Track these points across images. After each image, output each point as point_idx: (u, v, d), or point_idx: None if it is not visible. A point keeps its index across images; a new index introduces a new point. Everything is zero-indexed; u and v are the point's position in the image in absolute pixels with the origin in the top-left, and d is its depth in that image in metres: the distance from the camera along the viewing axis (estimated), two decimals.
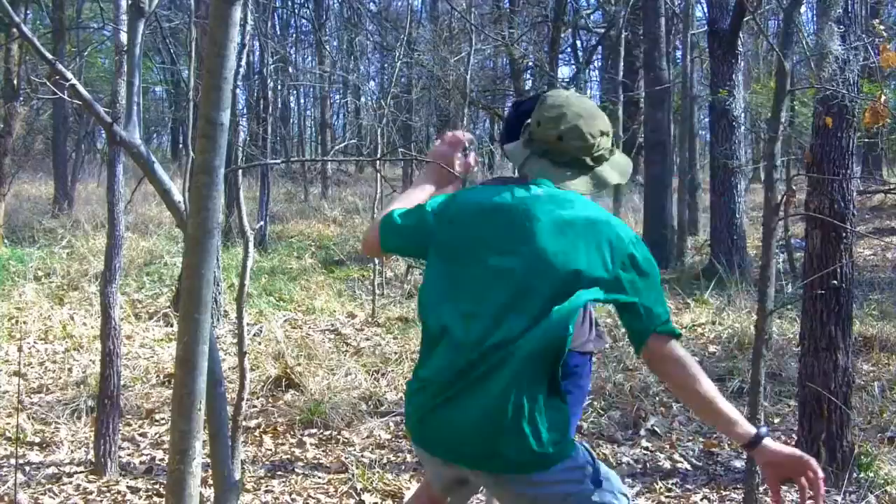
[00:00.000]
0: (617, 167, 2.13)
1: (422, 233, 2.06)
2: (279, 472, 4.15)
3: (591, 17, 18.74)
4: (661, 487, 3.98)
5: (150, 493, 3.86)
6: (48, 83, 2.90)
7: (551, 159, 2.07)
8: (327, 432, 4.70)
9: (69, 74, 2.45)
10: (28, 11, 13.67)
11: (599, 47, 18.41)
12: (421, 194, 2.26)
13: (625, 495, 1.99)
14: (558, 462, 1.91)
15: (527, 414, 1.87)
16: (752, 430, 1.90)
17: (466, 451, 1.94)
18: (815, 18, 6.90)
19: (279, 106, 19.63)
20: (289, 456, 4.40)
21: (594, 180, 2.08)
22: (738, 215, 9.87)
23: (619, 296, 1.91)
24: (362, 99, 20.67)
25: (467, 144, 2.35)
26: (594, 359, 3.17)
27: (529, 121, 2.14)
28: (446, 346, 1.94)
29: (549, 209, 1.96)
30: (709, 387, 1.90)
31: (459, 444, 1.94)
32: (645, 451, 4.48)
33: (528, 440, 1.87)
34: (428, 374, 1.99)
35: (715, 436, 4.65)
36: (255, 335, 6.53)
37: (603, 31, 15.79)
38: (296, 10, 25.24)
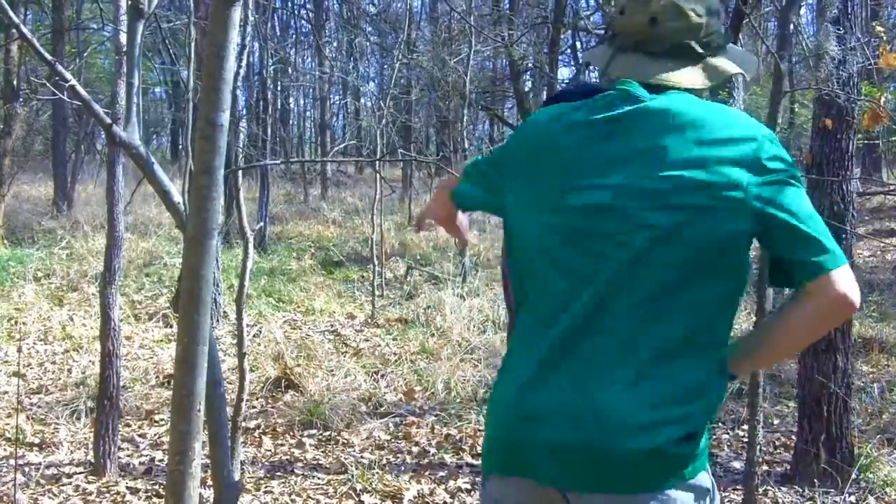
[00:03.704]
0: (737, 57, 1.59)
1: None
2: (278, 473, 4.15)
3: (591, 18, 18.75)
4: None
5: (149, 494, 3.86)
6: (48, 84, 2.91)
7: (645, 51, 1.54)
8: (327, 433, 4.70)
9: (68, 75, 2.45)
10: (28, 12, 13.69)
11: None
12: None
13: None
14: (692, 476, 1.46)
15: (676, 401, 1.44)
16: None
17: (578, 461, 1.44)
18: (814, 20, 6.91)
19: (279, 107, 19.64)
20: (288, 457, 4.40)
21: (707, 71, 1.55)
22: None
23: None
24: (362, 100, 20.71)
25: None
26: None
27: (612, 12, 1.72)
28: (547, 314, 1.51)
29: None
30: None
31: (573, 445, 1.44)
32: None
33: (667, 439, 1.42)
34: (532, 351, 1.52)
35: (714, 436, 4.65)
36: (254, 336, 6.53)
37: (603, 32, 15.77)
38: (295, 12, 25.26)
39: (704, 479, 1.49)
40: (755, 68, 1.63)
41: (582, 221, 1.48)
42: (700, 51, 1.54)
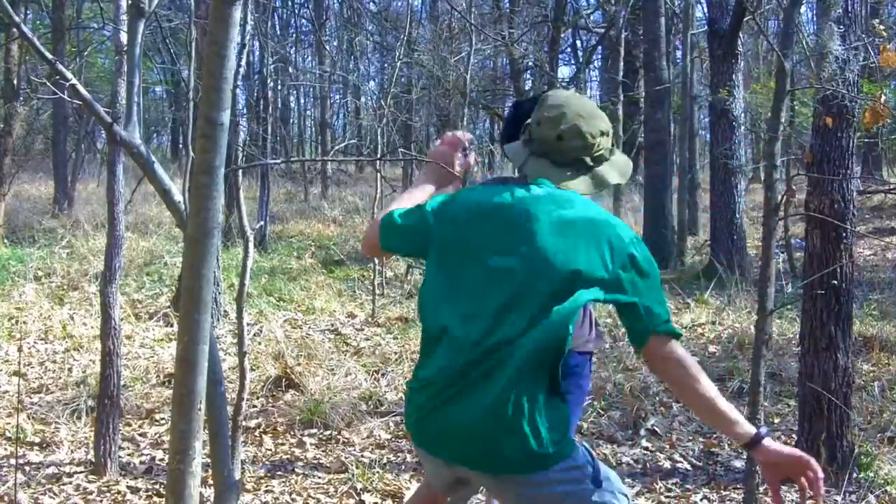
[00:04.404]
0: (617, 167, 2.12)
1: (422, 232, 2.06)
2: (279, 472, 4.15)
3: (591, 17, 18.74)
4: (660, 487, 3.98)
5: (150, 493, 3.86)
6: (48, 83, 2.91)
7: (551, 159, 2.06)
8: (327, 432, 4.70)
9: (69, 74, 2.45)
10: (28, 11, 13.69)
11: (599, 47, 18.41)
12: (421, 194, 2.26)
13: (625, 495, 1.99)
14: (558, 462, 1.90)
15: (526, 413, 1.87)
16: (752, 430, 1.91)
17: (467, 451, 1.94)
18: (815, 18, 6.90)
19: (279, 106, 19.64)
20: (289, 456, 4.40)
21: (594, 180, 2.07)
22: (738, 215, 9.87)
23: (619, 296, 1.90)
24: (362, 99, 20.68)
25: (467, 144, 2.36)
26: (594, 358, 3.18)
27: (529, 121, 2.13)
28: (446, 346, 1.95)
29: (548, 209, 1.95)
30: (708, 387, 1.90)
31: (460, 444, 1.93)
32: (645, 451, 4.48)
33: (527, 440, 1.87)
34: (428, 374, 1.99)
35: (715, 436, 4.65)
36: (255, 335, 6.53)
37: (603, 31, 15.80)
38: (296, 11, 25.26)
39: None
40: (629, 174, 2.15)
41: (495, 276, 1.94)
42: (591, 164, 2.07)
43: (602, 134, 2.06)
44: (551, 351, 1.89)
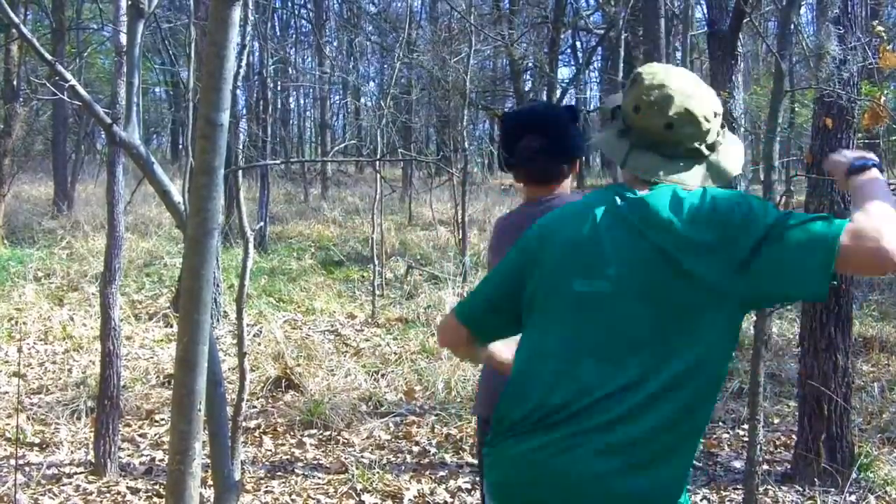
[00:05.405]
0: (732, 152, 1.75)
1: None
2: (279, 473, 4.16)
3: (591, 18, 18.73)
4: None
5: (149, 494, 3.86)
6: (48, 84, 2.91)
7: (661, 153, 1.67)
8: (327, 433, 4.70)
9: (69, 75, 2.45)
10: (28, 12, 13.68)
11: (599, 48, 18.42)
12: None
13: None
14: None
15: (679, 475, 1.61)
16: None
17: None
18: (815, 20, 6.90)
19: (279, 107, 19.64)
20: (288, 456, 4.40)
21: (711, 171, 1.70)
22: None
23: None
24: (362, 100, 20.69)
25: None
26: None
27: (619, 105, 1.76)
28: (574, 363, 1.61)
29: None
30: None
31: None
32: None
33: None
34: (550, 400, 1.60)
35: (714, 436, 4.65)
36: (254, 336, 6.53)
37: (603, 32, 15.79)
38: (296, 11, 25.25)
39: None
40: (742, 158, 1.78)
41: (585, 305, 1.62)
42: (705, 152, 1.70)
43: (715, 115, 1.69)
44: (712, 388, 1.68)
